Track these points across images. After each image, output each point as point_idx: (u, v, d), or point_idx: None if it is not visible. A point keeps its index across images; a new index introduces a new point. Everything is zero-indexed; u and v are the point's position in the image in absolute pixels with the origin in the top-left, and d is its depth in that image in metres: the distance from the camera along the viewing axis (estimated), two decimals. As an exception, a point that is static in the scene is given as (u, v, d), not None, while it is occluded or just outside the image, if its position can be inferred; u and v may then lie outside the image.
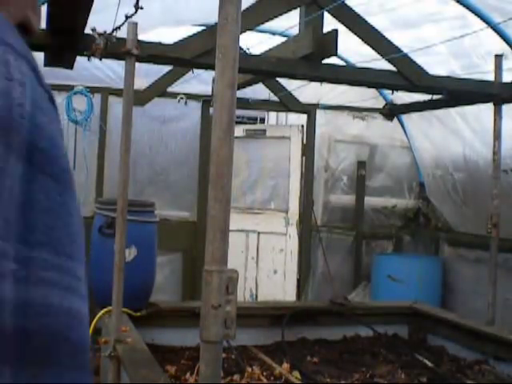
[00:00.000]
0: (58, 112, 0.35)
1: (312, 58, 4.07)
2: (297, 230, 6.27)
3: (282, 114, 7.45)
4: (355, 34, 4.26)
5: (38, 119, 0.31)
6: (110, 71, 5.86)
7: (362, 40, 4.31)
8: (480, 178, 5.72)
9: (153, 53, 3.79)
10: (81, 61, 4.12)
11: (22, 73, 0.32)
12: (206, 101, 6.17)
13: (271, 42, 5.06)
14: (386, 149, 6.84)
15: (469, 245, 6.07)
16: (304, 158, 6.31)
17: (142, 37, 3.76)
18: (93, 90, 5.78)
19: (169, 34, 4.62)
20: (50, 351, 0.30)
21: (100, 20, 3.56)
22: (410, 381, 3.83)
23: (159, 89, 5.81)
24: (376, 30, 4.32)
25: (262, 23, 4.20)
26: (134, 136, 4.09)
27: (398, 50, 4.38)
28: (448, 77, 4.74)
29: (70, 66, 4.38)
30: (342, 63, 5.71)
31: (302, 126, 6.36)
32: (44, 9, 3.27)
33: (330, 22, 4.11)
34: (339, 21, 4.20)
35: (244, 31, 3.42)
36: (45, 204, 0.31)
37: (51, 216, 0.31)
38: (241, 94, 5.44)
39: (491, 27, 4.65)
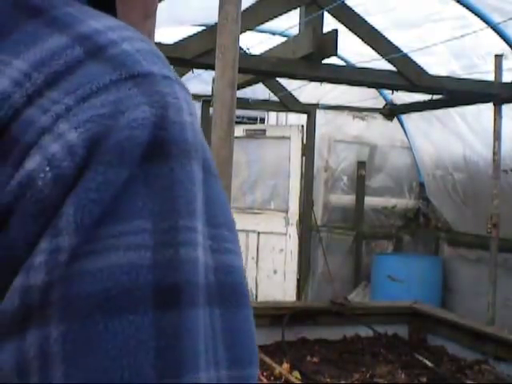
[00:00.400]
0: None
1: (312, 58, 4.07)
2: (297, 230, 6.27)
3: (282, 114, 7.44)
4: (355, 34, 4.26)
5: (203, 139, 0.45)
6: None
7: (362, 40, 4.31)
8: (480, 178, 5.72)
9: (153, 53, 3.78)
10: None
11: (194, 106, 0.44)
12: (205, 101, 6.17)
13: (271, 41, 5.06)
14: (386, 149, 6.84)
15: (469, 245, 6.07)
16: (304, 158, 6.31)
17: (142, 37, 3.76)
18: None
19: (169, 34, 4.62)
20: (238, 297, 0.46)
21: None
22: (410, 381, 3.83)
23: (159, 89, 5.80)
24: (376, 30, 4.33)
25: (262, 23, 4.21)
26: (134, 136, 4.09)
27: (398, 50, 4.38)
28: (448, 77, 4.74)
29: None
30: (342, 63, 5.71)
31: (302, 126, 6.36)
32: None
33: (329, 22, 4.12)
34: (339, 21, 4.20)
35: (244, 31, 3.42)
36: (216, 196, 0.45)
37: (221, 204, 0.45)
38: (241, 93, 5.44)
39: (491, 27, 4.65)
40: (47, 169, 0.36)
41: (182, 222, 0.40)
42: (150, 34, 0.60)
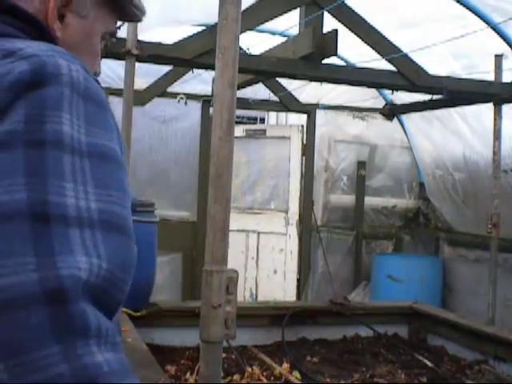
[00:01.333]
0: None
1: (312, 57, 4.07)
2: (297, 230, 6.27)
3: (282, 114, 7.44)
4: (355, 34, 4.26)
5: (88, 84, 0.72)
6: (109, 71, 5.85)
7: (362, 40, 4.31)
8: (480, 178, 5.72)
9: (153, 53, 3.79)
10: (81, 61, 4.11)
11: (78, 69, 0.71)
12: (205, 101, 6.17)
13: (271, 41, 5.06)
14: (386, 149, 6.84)
15: (469, 245, 6.07)
16: (304, 158, 6.31)
17: (141, 37, 3.76)
18: (93, 89, 5.77)
19: (169, 34, 4.62)
20: (107, 157, 0.69)
21: (100, 20, 3.55)
22: (410, 381, 3.83)
23: (159, 89, 5.81)
24: (376, 30, 4.32)
25: (262, 23, 4.20)
26: (134, 136, 4.09)
27: (398, 50, 4.38)
28: (448, 77, 4.74)
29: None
30: (342, 63, 5.71)
31: (302, 126, 6.36)
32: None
33: (329, 22, 4.11)
34: (339, 21, 4.20)
35: (244, 31, 3.42)
36: (89, 110, 0.72)
37: (92, 112, 0.71)
38: (241, 94, 5.44)
39: (491, 27, 4.65)
40: None
41: (48, 112, 0.66)
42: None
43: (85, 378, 0.57)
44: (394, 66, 4.40)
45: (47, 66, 0.68)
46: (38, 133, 0.64)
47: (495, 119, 4.59)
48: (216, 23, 1.87)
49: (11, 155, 0.62)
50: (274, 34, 5.63)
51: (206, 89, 6.02)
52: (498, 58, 4.56)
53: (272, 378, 3.69)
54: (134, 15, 1.02)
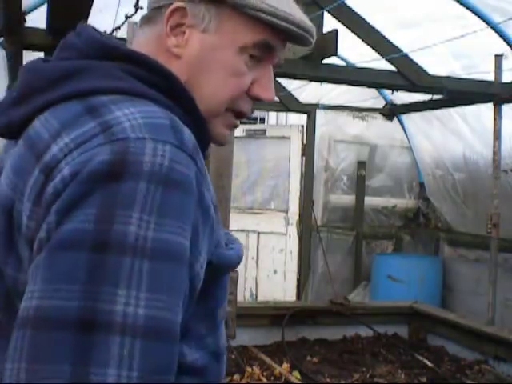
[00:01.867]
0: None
1: (312, 57, 4.07)
2: (297, 230, 6.27)
3: (282, 114, 7.44)
4: (355, 34, 4.25)
5: (170, 173, 0.72)
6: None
7: (362, 40, 4.30)
8: (480, 178, 5.72)
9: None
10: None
11: (163, 155, 0.71)
12: (206, 101, 6.17)
13: (271, 41, 5.06)
14: (386, 149, 6.83)
15: (469, 245, 6.07)
16: (304, 157, 6.31)
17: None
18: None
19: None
20: (168, 254, 0.69)
21: (100, 20, 3.56)
22: (410, 381, 3.83)
23: (159, 89, 5.80)
24: (376, 30, 4.32)
25: (262, 23, 4.19)
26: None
27: (398, 49, 4.38)
28: (448, 77, 4.74)
29: (70, 66, 4.37)
30: (342, 63, 5.71)
31: (302, 126, 6.36)
32: (44, 9, 3.27)
33: (329, 22, 4.11)
34: (339, 21, 4.20)
35: (244, 31, 3.40)
36: (161, 196, 0.72)
37: (162, 200, 0.72)
38: (241, 94, 5.42)
39: (491, 27, 4.65)
40: (51, 190, 0.71)
41: (119, 211, 0.67)
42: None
43: None
44: (394, 65, 4.39)
45: (129, 156, 0.68)
46: (104, 234, 0.66)
47: (495, 119, 4.59)
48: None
49: (74, 257, 0.65)
50: (274, 34, 5.62)
51: (206, 89, 6.01)
52: (498, 57, 4.56)
53: (272, 378, 3.69)
54: (287, 30, 0.92)
